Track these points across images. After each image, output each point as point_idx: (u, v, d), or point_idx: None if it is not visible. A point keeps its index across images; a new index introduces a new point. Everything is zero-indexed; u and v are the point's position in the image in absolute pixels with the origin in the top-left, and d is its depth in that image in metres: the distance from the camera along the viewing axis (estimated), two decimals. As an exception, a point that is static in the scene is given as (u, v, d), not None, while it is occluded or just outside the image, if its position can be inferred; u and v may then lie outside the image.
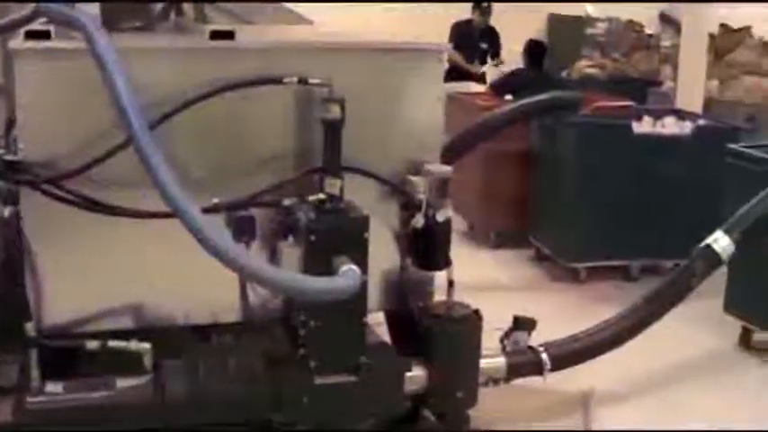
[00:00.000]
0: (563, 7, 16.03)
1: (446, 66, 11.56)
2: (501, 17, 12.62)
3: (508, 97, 9.19)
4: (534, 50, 10.39)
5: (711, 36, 11.55)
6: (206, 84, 4.00)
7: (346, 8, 12.02)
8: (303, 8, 6.78)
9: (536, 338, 5.09)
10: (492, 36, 12.44)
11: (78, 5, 3.83)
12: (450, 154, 6.94)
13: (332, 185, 4.04)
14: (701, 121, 8.30)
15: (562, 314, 6.66)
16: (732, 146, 6.74)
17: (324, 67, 4.15)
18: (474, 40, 12.27)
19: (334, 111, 4.02)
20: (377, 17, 11.89)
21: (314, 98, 4.14)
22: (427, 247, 4.33)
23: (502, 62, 12.25)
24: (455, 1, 14.21)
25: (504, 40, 12.49)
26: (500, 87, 9.96)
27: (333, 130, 4.05)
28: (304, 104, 4.19)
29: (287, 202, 4.09)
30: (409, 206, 4.30)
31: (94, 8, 4.14)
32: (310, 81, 4.06)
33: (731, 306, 6.70)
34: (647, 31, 15.17)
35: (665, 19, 16.04)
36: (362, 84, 4.25)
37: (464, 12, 12.47)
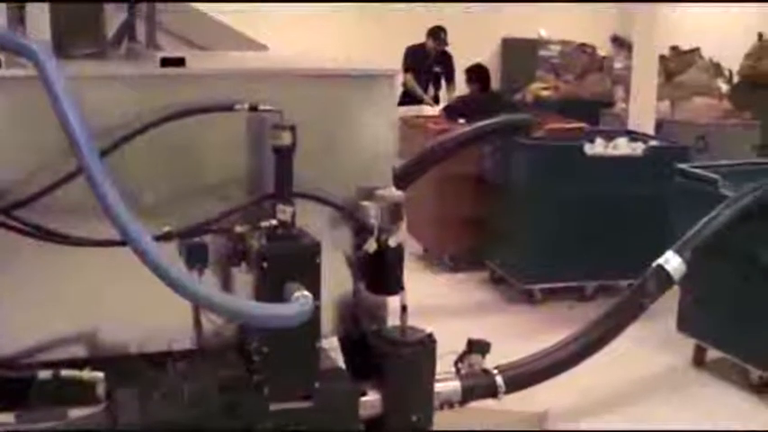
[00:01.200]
0: (517, 30, 16.19)
1: (399, 90, 11.77)
2: (455, 40, 12.69)
3: (461, 121, 9.25)
4: (478, 74, 10.47)
5: (663, 58, 11.65)
6: (157, 111, 3.98)
7: (304, 32, 12.13)
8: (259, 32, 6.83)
9: (492, 360, 5.11)
10: (445, 60, 12.51)
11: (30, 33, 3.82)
12: (403, 178, 6.99)
13: (284, 212, 4.04)
14: (653, 142, 8.40)
15: (518, 336, 6.71)
16: (682, 166, 6.81)
17: (275, 93, 4.14)
18: (427, 64, 12.36)
19: (285, 137, 4.02)
20: (334, 40, 11.94)
21: (265, 125, 4.13)
22: (380, 272, 4.33)
23: (454, 89, 12.35)
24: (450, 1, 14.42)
25: (458, 64, 12.57)
26: (453, 111, 10.02)
27: (284, 156, 4.05)
28: (255, 131, 4.18)
29: (239, 228, 4.08)
30: (362, 231, 4.30)
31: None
32: (261, 108, 4.06)
33: (684, 325, 6.77)
34: (600, 53, 15.29)
35: (617, 41, 16.22)
36: (314, 109, 4.25)
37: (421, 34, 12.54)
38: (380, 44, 12.59)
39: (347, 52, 5.24)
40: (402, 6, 14.67)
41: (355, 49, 11.18)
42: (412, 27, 12.66)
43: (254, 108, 4.07)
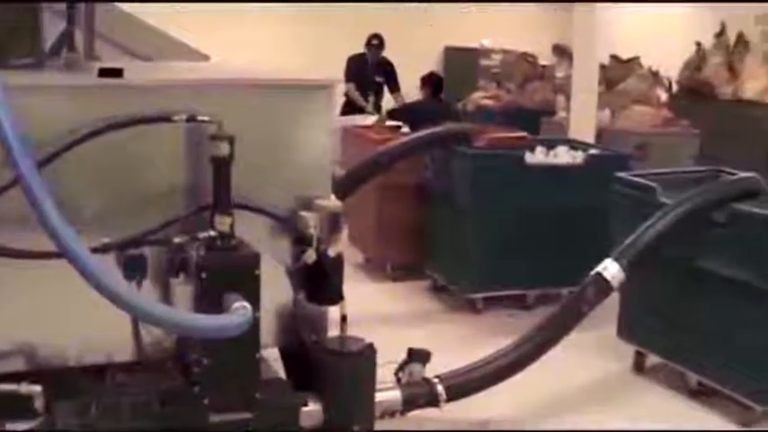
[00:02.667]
0: (459, 39, 16.26)
1: (341, 100, 11.78)
2: (397, 49, 12.73)
3: (405, 129, 9.28)
4: (432, 82, 10.52)
5: (603, 66, 11.76)
6: (95, 122, 3.97)
7: (250, 45, 12.12)
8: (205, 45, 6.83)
9: (434, 369, 5.13)
10: (387, 69, 12.53)
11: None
12: (344, 188, 7.02)
13: (222, 223, 4.04)
14: (593, 151, 8.45)
15: (459, 344, 6.73)
16: (620, 174, 6.86)
17: (213, 103, 4.15)
18: (368, 74, 12.36)
19: (223, 148, 4.02)
20: (279, 51, 11.93)
21: (204, 135, 4.13)
22: (319, 282, 4.34)
23: (401, 96, 12.37)
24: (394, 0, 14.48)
25: (400, 73, 12.60)
26: (398, 116, 10.07)
27: (222, 166, 4.05)
28: (194, 142, 4.18)
29: (177, 239, 4.07)
30: (301, 241, 4.31)
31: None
32: (199, 118, 4.06)
33: (624, 331, 6.82)
34: (541, 62, 15.41)
35: (558, 50, 16.32)
36: (253, 120, 4.27)
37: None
38: (317, 50, 12.71)
39: (285, 58, 5.25)
40: (346, 13, 14.72)
41: (292, 54, 11.25)
42: (354, 34, 12.66)
43: (192, 119, 4.07)
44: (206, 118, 4.06)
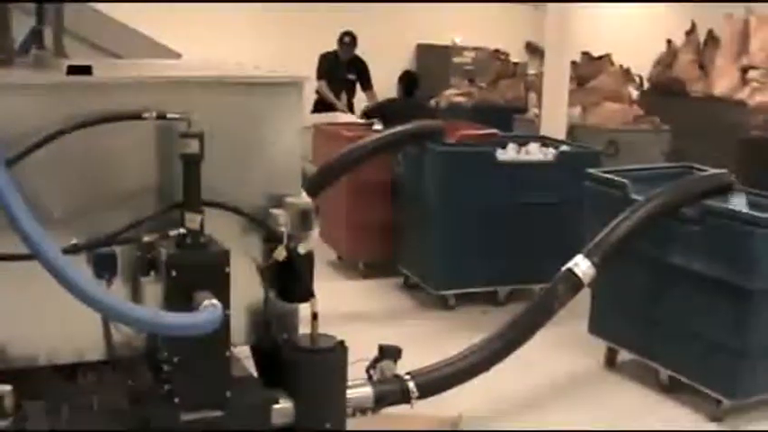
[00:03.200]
0: (431, 36, 16.27)
1: (313, 97, 11.78)
2: (369, 47, 12.73)
3: (378, 127, 9.28)
4: (407, 80, 10.52)
5: (574, 64, 11.79)
6: (64, 120, 3.94)
7: (221, 42, 12.11)
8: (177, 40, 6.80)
9: (406, 366, 5.13)
10: (359, 67, 12.52)
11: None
12: (316, 185, 7.02)
13: (192, 220, 4.02)
14: (564, 147, 8.48)
15: (431, 341, 6.73)
16: (591, 170, 6.89)
17: (183, 101, 4.12)
18: (341, 72, 12.35)
19: (193, 145, 4.00)
20: (250, 48, 11.92)
21: (174, 133, 4.11)
22: (290, 280, 4.32)
23: (374, 94, 12.37)
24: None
25: (373, 70, 12.60)
26: (372, 115, 10.07)
27: (192, 164, 4.03)
28: (164, 139, 4.16)
29: (147, 237, 4.05)
30: (271, 239, 4.29)
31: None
32: (168, 116, 4.04)
33: (595, 327, 6.86)
34: (513, 59, 15.44)
35: (530, 48, 16.39)
36: (222, 117, 4.24)
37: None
38: (288, 48, 12.70)
39: (256, 55, 5.23)
40: (317, 11, 14.72)
41: (263, 52, 11.24)
42: (326, 32, 12.65)
43: (161, 116, 4.04)
44: (176, 115, 4.04)
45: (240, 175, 4.31)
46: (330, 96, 12.11)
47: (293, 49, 12.31)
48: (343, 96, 12.35)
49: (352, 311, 7.52)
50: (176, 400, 4.08)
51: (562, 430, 5.73)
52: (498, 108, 13.53)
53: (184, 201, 4.07)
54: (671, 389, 6.35)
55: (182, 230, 4.03)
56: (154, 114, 4.04)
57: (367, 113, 10.51)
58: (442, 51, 16.39)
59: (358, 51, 12.56)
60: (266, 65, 5.03)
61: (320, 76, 12.13)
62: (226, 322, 3.89)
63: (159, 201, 4.20)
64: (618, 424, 5.87)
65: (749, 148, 11.19)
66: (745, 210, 5.97)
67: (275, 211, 4.29)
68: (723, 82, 13.53)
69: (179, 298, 3.89)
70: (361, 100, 12.66)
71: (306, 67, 10.97)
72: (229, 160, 4.26)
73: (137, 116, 4.04)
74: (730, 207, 5.97)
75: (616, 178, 6.58)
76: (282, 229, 4.25)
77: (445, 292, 7.96)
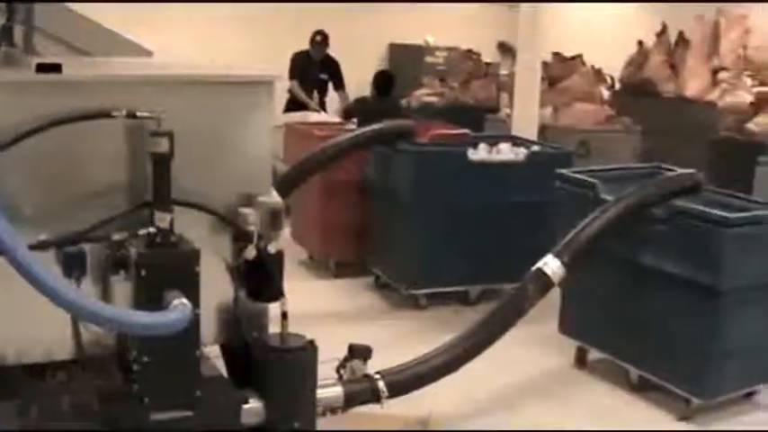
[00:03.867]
0: (404, 36, 16.28)
1: (286, 97, 11.76)
2: (341, 47, 12.72)
3: (351, 126, 9.28)
4: (382, 80, 10.52)
5: (546, 64, 11.82)
6: (33, 118, 3.92)
7: (194, 39, 12.09)
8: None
9: (377, 365, 5.14)
10: (331, 66, 12.51)
11: None
12: (287, 184, 7.01)
13: (162, 219, 4.01)
14: (535, 148, 8.50)
15: (402, 341, 6.75)
16: (562, 171, 6.91)
17: (154, 99, 4.12)
18: (313, 71, 12.34)
19: (163, 144, 3.99)
20: (222, 47, 11.90)
21: (143, 131, 4.10)
22: (260, 279, 4.32)
23: (346, 95, 12.36)
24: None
25: (345, 70, 12.59)
26: (348, 115, 10.09)
27: (161, 163, 4.02)
28: (134, 138, 4.14)
29: (117, 236, 4.04)
30: (241, 238, 4.29)
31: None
32: (138, 114, 4.03)
33: (566, 327, 6.88)
34: (485, 59, 15.46)
35: (503, 48, 16.42)
36: (193, 115, 4.23)
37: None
38: (260, 47, 12.68)
39: (228, 54, 5.22)
40: (289, 10, 14.71)
41: (235, 51, 11.23)
42: (297, 32, 12.64)
43: (131, 115, 4.03)
44: (146, 114, 4.03)
45: (210, 173, 4.30)
46: (302, 96, 12.09)
47: (265, 48, 12.29)
48: (315, 96, 12.34)
49: (322, 311, 7.51)
50: (146, 399, 4.07)
51: (531, 430, 5.75)
52: (470, 108, 13.54)
53: (154, 199, 4.07)
54: (640, 388, 6.37)
55: (151, 229, 4.02)
56: (123, 113, 4.03)
57: (346, 112, 10.50)
58: (414, 51, 16.40)
59: (330, 51, 12.54)
60: (238, 63, 5.02)
61: (292, 75, 12.10)
62: (195, 321, 3.89)
63: (129, 199, 4.18)
64: (587, 423, 5.88)
65: (719, 149, 11.26)
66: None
67: (245, 210, 4.29)
68: (694, 83, 13.59)
69: (149, 297, 3.88)
70: (333, 99, 12.66)
71: (278, 67, 10.95)
72: (200, 159, 4.25)
73: (106, 114, 4.02)
74: (699, 207, 6.00)
75: (586, 178, 6.61)
76: (252, 228, 4.25)
77: (416, 292, 7.96)
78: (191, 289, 3.93)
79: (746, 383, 6.31)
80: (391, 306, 8.13)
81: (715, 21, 13.84)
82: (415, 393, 5.36)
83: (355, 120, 9.83)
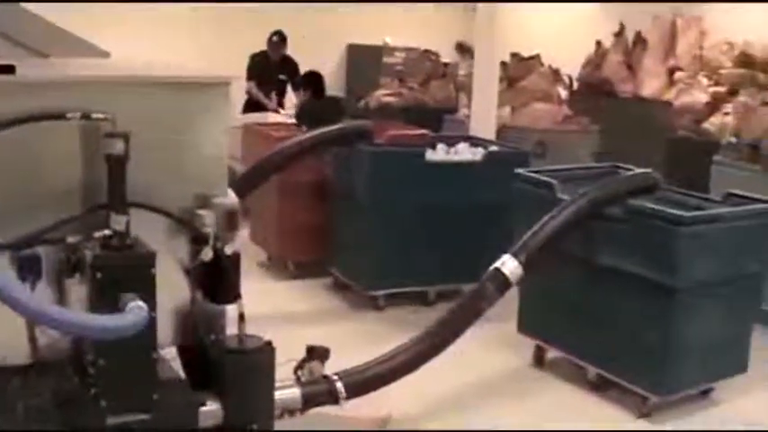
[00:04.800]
0: (362, 37, 16.29)
1: (244, 98, 11.72)
2: (300, 47, 12.71)
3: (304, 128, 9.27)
4: (310, 80, 10.52)
5: (504, 64, 11.85)
6: (-13, 119, 3.90)
7: (152, 40, 12.04)
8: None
9: (336, 366, 5.14)
10: (290, 67, 12.48)
11: None
12: (245, 185, 7.00)
13: (117, 221, 3.98)
14: (493, 148, 8.53)
15: (361, 341, 6.76)
16: (519, 170, 6.93)
17: (109, 100, 4.08)
18: (271, 72, 12.31)
19: (118, 146, 3.96)
20: (180, 48, 11.88)
21: (99, 133, 4.07)
22: (217, 281, 4.30)
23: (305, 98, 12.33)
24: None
25: (304, 70, 12.55)
26: (300, 118, 10.07)
27: (117, 165, 3.99)
28: (89, 140, 4.11)
29: (72, 239, 4.01)
30: (198, 240, 4.27)
31: None
32: (93, 116, 4.00)
33: (524, 326, 6.90)
34: (444, 60, 15.49)
35: (461, 48, 16.45)
36: (149, 117, 4.20)
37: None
38: (218, 48, 12.65)
39: (186, 55, 5.19)
40: (247, 11, 14.68)
41: (193, 52, 11.18)
42: (256, 33, 12.61)
43: (86, 116, 4.00)
44: (100, 115, 4.00)
45: (166, 175, 4.26)
46: (260, 96, 12.06)
47: (224, 49, 12.26)
48: (274, 96, 12.31)
49: (281, 312, 7.51)
50: (103, 403, 4.03)
51: (490, 430, 5.76)
52: (428, 108, 13.58)
53: (109, 201, 4.03)
54: (599, 386, 6.42)
55: (107, 232, 3.99)
56: (78, 114, 3.99)
57: (297, 118, 10.48)
58: (373, 51, 16.42)
59: (289, 51, 12.52)
60: (196, 64, 5.01)
61: (250, 76, 12.09)
62: (152, 324, 3.86)
63: (85, 202, 4.15)
64: (546, 422, 5.92)
65: (676, 148, 11.35)
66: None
67: (201, 211, 4.26)
68: (651, 83, 13.71)
69: (104, 300, 3.85)
70: (292, 100, 12.65)
71: (237, 67, 10.94)
72: (155, 160, 4.21)
73: (61, 116, 3.99)
74: (654, 206, 6.04)
75: (543, 178, 6.64)
76: (208, 229, 4.22)
77: (375, 293, 7.97)
78: (147, 291, 3.90)
79: (703, 380, 6.38)
80: (350, 307, 8.13)
81: (672, 21, 13.96)
82: (374, 394, 5.37)
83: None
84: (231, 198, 4.39)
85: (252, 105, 12.02)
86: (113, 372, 4.01)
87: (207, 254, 4.22)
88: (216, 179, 4.42)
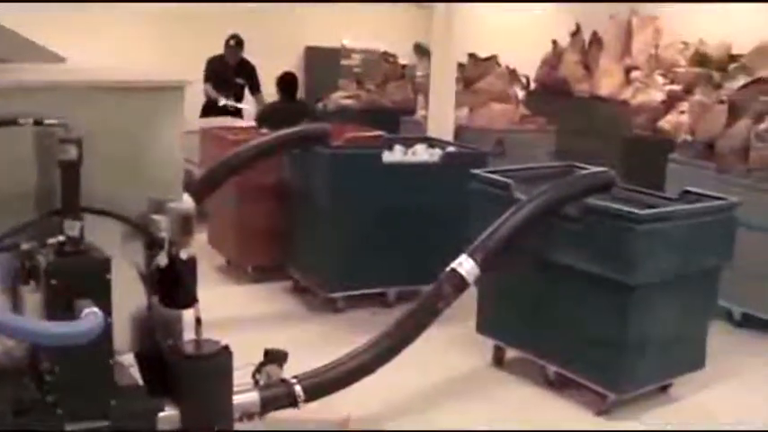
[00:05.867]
0: (320, 39, 16.28)
1: (202, 101, 11.66)
2: (257, 50, 12.68)
3: (264, 130, 9.25)
4: (286, 82, 10.50)
5: (461, 65, 11.88)
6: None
7: (109, 43, 11.98)
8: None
9: (296, 369, 5.14)
10: (247, 70, 12.45)
11: None
12: (202, 189, 6.97)
13: (71, 227, 3.96)
14: (450, 148, 8.55)
15: (321, 344, 6.75)
16: (476, 171, 6.95)
17: (62, 105, 4.06)
18: (229, 75, 12.27)
19: (71, 151, 3.94)
20: (135, 52, 11.82)
21: (52, 138, 4.05)
22: (173, 286, 4.29)
23: (262, 99, 12.30)
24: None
25: (261, 74, 12.53)
26: (263, 120, 10.04)
27: (70, 170, 3.97)
28: (42, 145, 4.09)
29: (26, 245, 3.98)
30: (153, 245, 4.26)
31: None
32: (46, 122, 3.98)
33: (483, 326, 6.92)
34: (402, 61, 15.50)
35: (419, 50, 16.46)
36: (103, 122, 4.18)
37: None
38: (173, 51, 12.59)
39: (141, 59, 5.17)
40: (203, 13, 14.63)
41: (148, 55, 11.13)
42: (212, 36, 12.57)
43: (39, 122, 3.98)
44: (53, 121, 3.98)
45: (120, 180, 4.25)
46: (214, 95, 12.01)
47: (181, 53, 12.17)
48: (232, 100, 12.26)
49: (240, 316, 7.49)
50: (60, 410, 4.02)
51: (449, 430, 5.78)
52: (386, 110, 13.59)
53: (63, 207, 4.01)
54: (558, 385, 6.45)
55: (61, 238, 3.97)
56: (30, 120, 3.97)
57: (258, 122, 10.46)
58: (330, 54, 16.42)
59: (246, 54, 12.49)
60: (152, 68, 4.99)
61: (207, 79, 12.04)
62: (108, 330, 3.84)
63: (39, 208, 4.13)
64: (506, 421, 5.93)
65: (632, 147, 11.43)
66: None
67: (156, 216, 4.25)
68: (607, 82, 13.79)
69: (59, 307, 3.83)
70: (249, 103, 12.62)
71: (194, 71, 10.88)
72: (109, 165, 4.20)
73: (13, 122, 3.97)
74: (610, 205, 6.08)
75: (500, 178, 6.66)
76: (164, 234, 4.21)
77: (334, 295, 7.96)
78: (102, 297, 3.88)
79: (661, 377, 6.43)
80: (309, 310, 8.12)
81: (627, 20, 14.04)
82: (333, 396, 5.38)
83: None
84: (186, 202, 4.38)
85: (211, 109, 11.96)
86: (70, 379, 3.99)
87: (162, 259, 4.21)
88: (171, 183, 4.41)
